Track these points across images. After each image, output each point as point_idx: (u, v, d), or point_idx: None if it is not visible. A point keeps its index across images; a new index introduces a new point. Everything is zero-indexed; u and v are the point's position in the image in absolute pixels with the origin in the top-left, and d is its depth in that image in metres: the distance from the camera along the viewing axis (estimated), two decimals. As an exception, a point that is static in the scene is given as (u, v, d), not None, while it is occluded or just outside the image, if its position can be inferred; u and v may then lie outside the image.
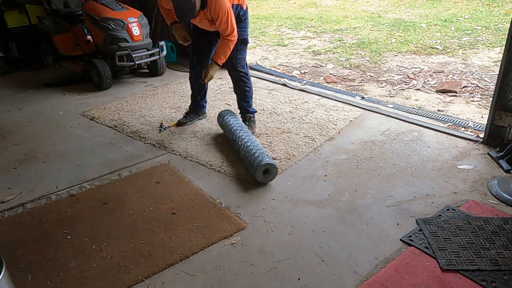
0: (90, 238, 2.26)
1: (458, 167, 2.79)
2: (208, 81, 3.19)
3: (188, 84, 3.59)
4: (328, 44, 6.32)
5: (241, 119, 3.41)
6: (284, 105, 3.92)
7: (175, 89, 4.53)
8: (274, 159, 2.95)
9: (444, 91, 4.21)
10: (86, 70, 4.72)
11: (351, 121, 3.53)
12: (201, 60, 3.32)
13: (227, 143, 3.22)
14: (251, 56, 5.81)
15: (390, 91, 4.35)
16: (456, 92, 4.15)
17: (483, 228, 2.17)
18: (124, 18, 4.47)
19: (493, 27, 6.36)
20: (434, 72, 4.78)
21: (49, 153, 3.28)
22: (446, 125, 3.41)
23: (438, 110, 3.79)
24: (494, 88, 2.95)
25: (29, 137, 3.57)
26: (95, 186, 2.77)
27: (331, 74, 5.00)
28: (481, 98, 4.01)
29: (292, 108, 3.83)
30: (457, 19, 7.02)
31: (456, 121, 3.48)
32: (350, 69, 5.16)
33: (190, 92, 3.62)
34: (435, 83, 4.47)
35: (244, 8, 3.12)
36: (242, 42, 3.15)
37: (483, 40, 5.80)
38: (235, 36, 2.96)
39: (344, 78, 4.83)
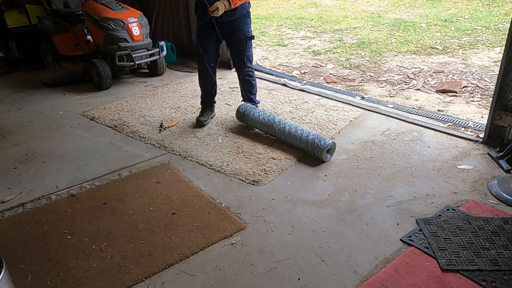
0: (90, 238, 2.26)
1: (458, 167, 2.79)
2: (213, 12, 2.95)
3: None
4: (328, 44, 6.32)
5: None
6: (284, 105, 3.92)
7: (175, 89, 4.53)
8: (274, 159, 2.95)
9: (444, 91, 4.21)
10: (86, 70, 4.72)
11: (351, 121, 3.54)
12: (204, 46, 3.31)
13: (227, 143, 3.23)
14: (251, 56, 5.82)
15: (390, 91, 4.35)
16: (456, 92, 4.15)
17: (483, 228, 2.17)
18: (124, 18, 4.47)
19: (493, 27, 6.36)
20: (434, 72, 4.78)
21: (49, 153, 3.27)
22: (446, 125, 3.41)
23: (438, 110, 3.79)
24: (494, 88, 2.95)
25: (29, 137, 3.57)
26: (95, 186, 2.77)
27: (331, 74, 5.00)
28: (481, 98, 4.01)
29: (292, 108, 3.83)
30: (457, 19, 7.02)
31: (456, 121, 3.48)
32: (350, 69, 5.16)
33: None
34: (435, 83, 4.47)
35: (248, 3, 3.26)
36: (250, 38, 3.34)
37: (483, 40, 5.80)
38: None
39: (344, 78, 4.83)
